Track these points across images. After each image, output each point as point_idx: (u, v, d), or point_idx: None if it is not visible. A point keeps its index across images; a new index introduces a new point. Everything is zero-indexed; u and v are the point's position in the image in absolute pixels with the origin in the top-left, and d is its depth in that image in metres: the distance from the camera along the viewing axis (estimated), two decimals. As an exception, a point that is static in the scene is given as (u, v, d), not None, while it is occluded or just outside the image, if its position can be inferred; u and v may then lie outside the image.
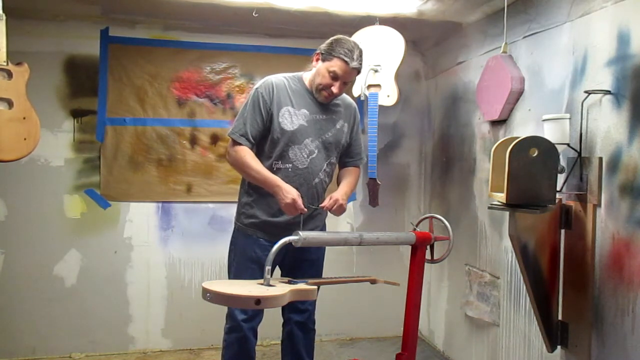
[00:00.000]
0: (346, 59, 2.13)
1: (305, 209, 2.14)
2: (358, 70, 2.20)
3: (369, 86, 2.98)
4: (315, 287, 1.98)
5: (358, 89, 3.02)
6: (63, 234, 3.24)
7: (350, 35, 3.02)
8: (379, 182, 3.07)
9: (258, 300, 1.74)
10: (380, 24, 3.00)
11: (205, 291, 1.79)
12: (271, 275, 1.95)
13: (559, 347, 2.20)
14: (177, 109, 3.39)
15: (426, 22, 3.07)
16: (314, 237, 2.06)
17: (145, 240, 3.36)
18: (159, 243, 3.38)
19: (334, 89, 2.18)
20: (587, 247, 2.04)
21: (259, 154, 2.27)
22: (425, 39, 3.59)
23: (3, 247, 3.15)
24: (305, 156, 2.23)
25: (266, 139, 2.24)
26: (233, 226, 2.40)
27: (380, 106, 2.98)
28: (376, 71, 2.97)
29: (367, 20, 3.00)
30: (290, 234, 2.06)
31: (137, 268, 3.35)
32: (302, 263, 2.34)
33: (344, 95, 2.37)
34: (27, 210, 3.18)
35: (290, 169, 2.22)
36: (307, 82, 2.27)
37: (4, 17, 2.16)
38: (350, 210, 3.65)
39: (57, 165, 3.23)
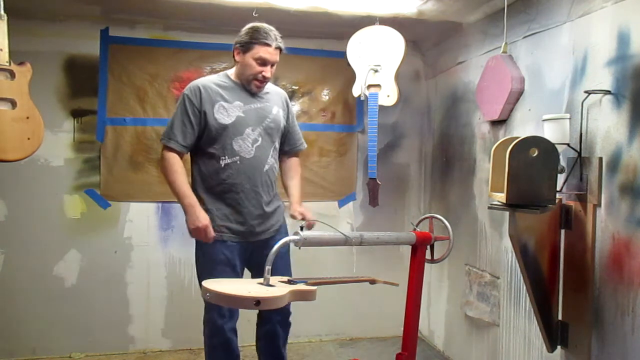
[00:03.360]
0: (267, 41, 2.22)
1: (213, 238, 2.16)
2: (280, 49, 2.28)
3: (369, 86, 2.98)
4: (316, 287, 1.97)
5: (358, 89, 3.02)
6: (63, 234, 3.24)
7: (350, 35, 3.04)
8: (379, 182, 3.07)
9: (258, 302, 1.74)
10: (380, 24, 3.00)
11: (205, 290, 1.79)
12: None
13: (559, 347, 2.21)
14: (177, 109, 3.39)
15: (426, 22, 3.07)
16: (314, 237, 2.06)
17: (145, 240, 3.36)
18: (159, 243, 3.38)
19: (266, 74, 2.26)
20: (587, 247, 2.04)
21: (208, 156, 2.28)
22: (425, 39, 3.59)
23: (3, 247, 3.15)
24: (250, 146, 2.28)
25: (210, 140, 2.27)
26: None
27: (380, 106, 2.98)
28: (376, 71, 2.96)
29: (367, 20, 3.00)
30: (252, 231, 2.08)
31: (137, 268, 3.35)
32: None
33: (270, 84, 2.44)
34: (27, 210, 3.18)
35: (238, 162, 2.26)
36: (233, 77, 2.34)
37: (6, 18, 2.16)
38: (350, 210, 3.65)
39: (57, 165, 3.23)
